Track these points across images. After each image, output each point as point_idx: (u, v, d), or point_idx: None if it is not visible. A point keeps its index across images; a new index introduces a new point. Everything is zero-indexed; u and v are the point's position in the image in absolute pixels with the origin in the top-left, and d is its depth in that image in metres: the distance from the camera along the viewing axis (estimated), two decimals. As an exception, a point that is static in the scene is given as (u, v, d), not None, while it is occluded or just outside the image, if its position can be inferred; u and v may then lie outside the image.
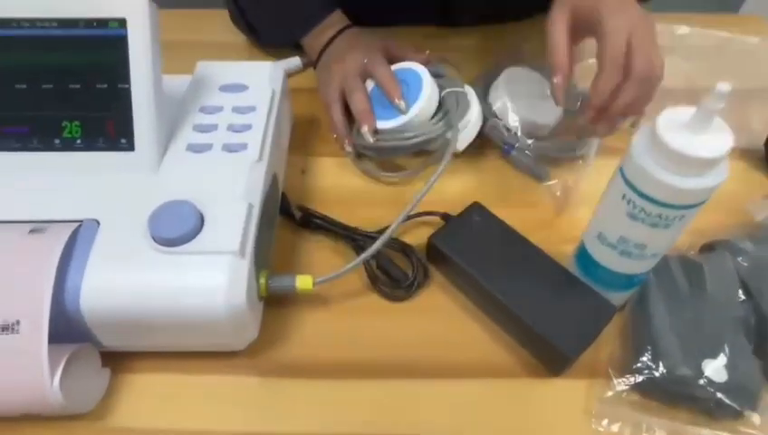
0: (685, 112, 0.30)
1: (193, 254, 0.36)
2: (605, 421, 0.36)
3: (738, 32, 0.65)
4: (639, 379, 0.37)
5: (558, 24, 0.43)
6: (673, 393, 0.36)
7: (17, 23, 0.39)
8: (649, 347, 0.37)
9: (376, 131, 0.48)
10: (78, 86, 0.40)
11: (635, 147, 0.32)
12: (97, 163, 0.40)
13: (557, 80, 0.43)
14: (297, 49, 0.60)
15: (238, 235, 0.36)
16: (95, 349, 0.38)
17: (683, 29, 0.64)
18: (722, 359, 0.36)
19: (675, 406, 0.37)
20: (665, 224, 0.32)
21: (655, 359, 0.37)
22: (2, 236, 0.35)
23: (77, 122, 0.40)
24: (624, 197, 0.33)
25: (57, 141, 0.40)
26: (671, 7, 0.68)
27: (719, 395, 0.35)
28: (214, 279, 0.35)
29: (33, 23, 0.39)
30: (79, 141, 0.40)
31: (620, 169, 0.33)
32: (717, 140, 0.29)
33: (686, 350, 0.36)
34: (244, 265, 0.36)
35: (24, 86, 0.40)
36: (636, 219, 0.33)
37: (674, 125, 0.30)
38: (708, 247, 0.44)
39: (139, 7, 0.39)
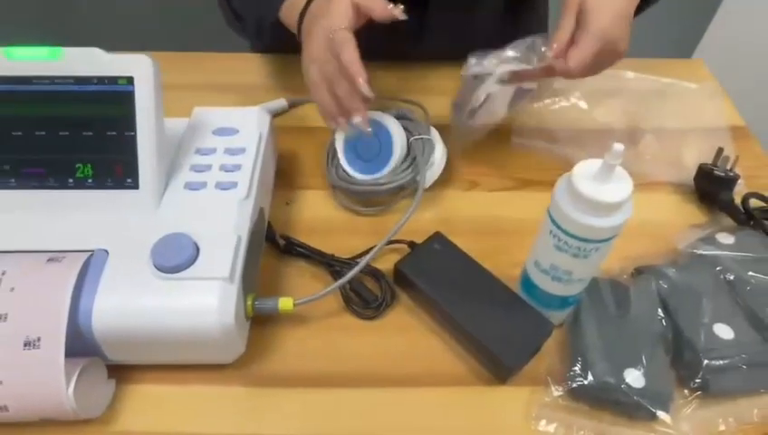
0: (594, 164, 0.37)
1: (189, 279, 0.41)
2: (542, 422, 0.43)
3: (682, 74, 0.73)
4: (572, 386, 0.43)
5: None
6: (599, 398, 0.43)
7: (39, 80, 0.45)
8: (580, 358, 0.43)
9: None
10: (90, 133, 0.46)
11: (557, 191, 0.38)
12: (106, 200, 0.46)
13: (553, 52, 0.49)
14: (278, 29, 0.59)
15: (228, 263, 0.42)
16: (102, 362, 0.44)
17: (629, 74, 0.72)
18: (641, 368, 0.42)
19: (601, 409, 0.43)
20: (584, 255, 0.39)
21: (584, 369, 0.43)
22: (24, 264, 0.41)
23: (89, 165, 0.46)
24: (551, 232, 0.40)
25: (71, 181, 0.46)
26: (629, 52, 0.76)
27: (637, 399, 0.41)
28: (206, 302, 0.41)
29: (52, 80, 0.45)
30: (90, 181, 0.46)
31: (548, 210, 0.40)
32: (619, 188, 0.36)
33: (610, 360, 0.43)
34: (233, 290, 0.42)
35: (43, 133, 0.46)
36: (561, 250, 0.40)
37: (585, 175, 0.37)
38: (638, 272, 0.50)
39: (144, 67, 0.45)
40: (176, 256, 0.42)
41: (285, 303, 0.46)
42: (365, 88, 0.48)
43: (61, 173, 0.46)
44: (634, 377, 0.42)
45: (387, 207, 0.57)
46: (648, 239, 0.53)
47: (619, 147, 0.34)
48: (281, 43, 0.63)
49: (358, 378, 0.46)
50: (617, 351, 0.43)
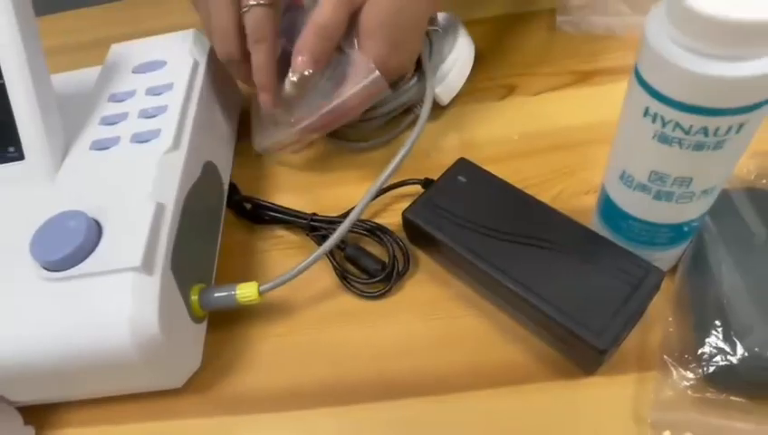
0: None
1: (86, 276, 0.28)
2: (667, 434, 0.26)
3: None
4: (709, 368, 0.26)
5: None
6: (761, 384, 0.25)
7: None
8: (718, 322, 0.26)
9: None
10: (-50, 92, 0.33)
11: (650, 25, 0.21)
12: (-13, 179, 0.33)
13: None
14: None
15: (141, 245, 0.28)
16: (11, 406, 0.31)
17: None
18: (829, 327, 0.25)
19: (765, 400, 0.26)
20: (715, 143, 0.21)
21: (728, 338, 0.26)
22: None
23: (-43, 135, 0.33)
24: (647, 111, 0.22)
25: (-59, 161, 0.34)
26: None
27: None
28: (114, 305, 0.27)
29: None
30: (-37, 158, 0.33)
31: (636, 69, 0.22)
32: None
33: (772, 320, 0.25)
34: (154, 282, 0.28)
35: None
36: (670, 142, 0.22)
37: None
38: (788, 171, 0.32)
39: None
40: (63, 246, 0.28)
41: (247, 290, 0.31)
42: (268, 110, 0.36)
43: (-73, 153, 0.33)
44: (819, 343, 0.25)
45: (391, 136, 0.41)
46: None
47: None
48: None
49: (369, 387, 0.31)
50: (781, 302, 0.26)
